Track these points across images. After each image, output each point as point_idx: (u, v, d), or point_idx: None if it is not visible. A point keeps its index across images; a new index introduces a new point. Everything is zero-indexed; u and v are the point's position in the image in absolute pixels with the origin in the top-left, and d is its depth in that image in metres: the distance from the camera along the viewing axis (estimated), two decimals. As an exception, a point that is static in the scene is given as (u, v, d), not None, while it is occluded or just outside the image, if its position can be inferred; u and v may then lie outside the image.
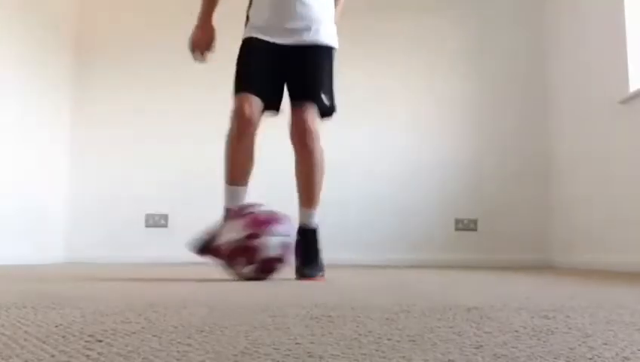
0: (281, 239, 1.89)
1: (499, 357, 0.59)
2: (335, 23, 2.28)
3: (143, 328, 0.77)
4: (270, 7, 2.17)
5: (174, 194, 4.49)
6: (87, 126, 4.57)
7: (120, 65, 4.62)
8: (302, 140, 2.11)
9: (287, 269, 2.01)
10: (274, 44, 2.16)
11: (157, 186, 4.49)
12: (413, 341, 0.69)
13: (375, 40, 4.52)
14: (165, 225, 4.48)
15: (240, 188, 2.17)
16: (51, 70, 4.37)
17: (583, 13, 4.00)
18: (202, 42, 2.24)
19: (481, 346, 0.65)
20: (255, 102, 2.11)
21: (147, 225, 4.48)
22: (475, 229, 4.43)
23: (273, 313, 0.95)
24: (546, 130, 4.46)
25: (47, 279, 2.06)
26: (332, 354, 0.60)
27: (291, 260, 2.01)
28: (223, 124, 4.99)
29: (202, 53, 2.25)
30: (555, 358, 0.59)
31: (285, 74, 2.18)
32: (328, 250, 2.26)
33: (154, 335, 0.70)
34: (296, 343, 0.66)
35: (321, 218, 2.21)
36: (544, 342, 0.69)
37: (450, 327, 0.81)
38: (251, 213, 1.96)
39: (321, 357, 0.58)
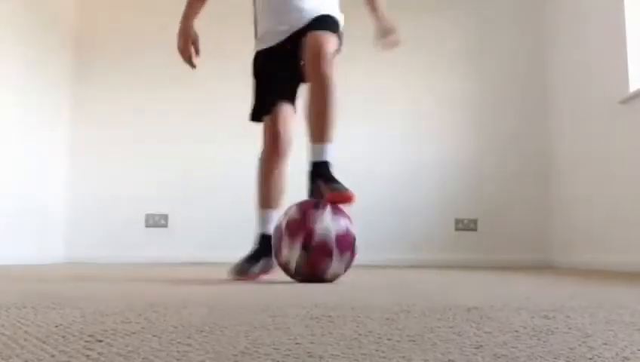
0: (327, 213, 1.78)
1: (499, 357, 0.59)
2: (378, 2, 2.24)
3: (143, 328, 0.77)
4: (268, 15, 2.15)
5: (174, 194, 4.49)
6: (88, 126, 4.57)
7: (120, 65, 4.62)
8: (317, 60, 1.94)
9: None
10: (273, 48, 2.14)
11: (157, 186, 4.50)
12: (413, 341, 0.69)
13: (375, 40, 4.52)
14: (165, 225, 4.48)
15: (274, 211, 2.11)
16: (51, 70, 4.37)
17: (583, 13, 4.00)
18: (183, 49, 2.25)
19: (481, 346, 0.65)
20: (285, 116, 2.09)
21: (147, 225, 4.48)
22: (475, 229, 4.43)
23: (273, 313, 0.95)
24: (546, 130, 4.46)
25: (47, 279, 2.06)
26: (332, 354, 0.60)
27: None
28: (223, 124, 4.98)
29: (189, 57, 2.24)
30: (555, 358, 0.59)
31: (294, 62, 2.06)
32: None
33: (154, 335, 0.70)
34: (296, 343, 0.66)
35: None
36: (544, 342, 0.69)
37: (450, 327, 0.81)
38: (287, 223, 1.82)
39: (321, 357, 0.58)
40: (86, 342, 0.66)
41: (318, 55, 1.94)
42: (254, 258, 2.08)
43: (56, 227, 4.39)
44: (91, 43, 4.68)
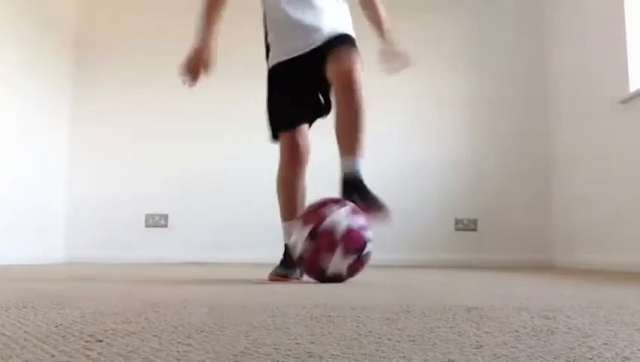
0: (346, 209, 1.79)
1: (499, 357, 0.59)
2: (386, 27, 2.23)
3: (143, 328, 0.77)
4: (284, 27, 2.11)
5: (174, 194, 4.49)
6: (87, 126, 4.57)
7: (120, 65, 4.62)
8: (348, 78, 1.96)
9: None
10: (292, 60, 2.09)
11: (157, 186, 4.49)
12: (413, 341, 0.69)
13: (375, 40, 4.52)
14: (165, 225, 4.48)
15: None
16: (51, 70, 4.37)
17: (583, 13, 4.00)
18: (200, 65, 2.11)
19: (481, 346, 0.65)
20: (303, 132, 2.09)
21: (147, 225, 4.48)
22: (474, 229, 4.43)
23: (273, 313, 0.95)
24: (546, 130, 4.46)
25: (47, 279, 2.06)
26: (332, 354, 0.60)
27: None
28: (223, 124, 4.98)
29: (196, 77, 2.13)
30: (555, 358, 0.59)
31: (313, 76, 2.06)
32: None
33: (154, 335, 0.70)
34: (297, 343, 0.66)
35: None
36: (544, 342, 0.69)
37: (450, 327, 0.81)
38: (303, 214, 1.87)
39: (321, 357, 0.58)
40: (86, 342, 0.66)
41: (349, 74, 1.96)
42: (288, 265, 2.03)
43: (56, 227, 4.39)
44: (91, 43, 4.68)
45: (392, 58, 2.25)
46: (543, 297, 1.37)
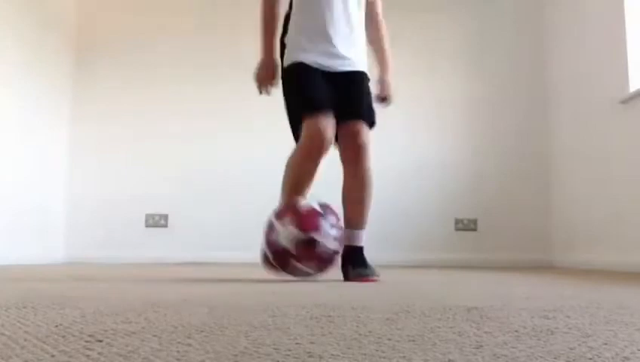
0: (335, 232, 1.89)
1: (499, 357, 0.59)
2: (386, 50, 2.38)
3: (143, 328, 0.77)
4: (315, 32, 2.13)
5: (174, 194, 4.49)
6: (87, 126, 4.57)
7: (120, 65, 4.62)
8: (356, 156, 2.09)
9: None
10: (322, 70, 2.12)
11: (157, 186, 4.50)
12: (413, 341, 0.69)
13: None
14: (165, 225, 4.48)
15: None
16: (51, 70, 4.37)
17: (583, 13, 4.00)
18: (267, 79, 2.20)
19: (481, 346, 0.65)
20: (331, 122, 2.05)
21: (147, 225, 4.48)
22: (474, 229, 4.43)
23: (273, 313, 0.95)
24: (546, 130, 4.46)
25: (47, 279, 2.06)
26: (332, 354, 0.60)
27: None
28: (223, 124, 4.98)
29: (267, 89, 2.22)
30: (555, 358, 0.59)
31: (334, 98, 2.10)
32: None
33: (154, 335, 0.70)
34: (297, 343, 0.66)
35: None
36: (544, 342, 0.69)
37: (450, 327, 0.81)
38: (296, 209, 1.90)
39: (321, 357, 0.58)
40: (86, 342, 0.66)
41: (359, 148, 2.09)
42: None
43: (56, 227, 4.39)
44: (91, 43, 4.68)
45: (383, 102, 2.40)
46: (543, 297, 1.37)
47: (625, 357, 0.60)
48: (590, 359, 0.59)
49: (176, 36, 4.64)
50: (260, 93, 2.23)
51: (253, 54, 2.34)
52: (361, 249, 2.13)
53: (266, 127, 4.08)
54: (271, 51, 2.21)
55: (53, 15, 4.43)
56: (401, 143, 4.51)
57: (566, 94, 4.23)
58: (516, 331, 0.77)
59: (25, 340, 0.67)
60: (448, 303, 1.16)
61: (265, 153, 4.20)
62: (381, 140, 4.58)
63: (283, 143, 2.27)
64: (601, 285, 1.93)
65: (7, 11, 3.80)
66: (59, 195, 4.44)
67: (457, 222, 4.43)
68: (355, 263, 2.07)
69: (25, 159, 4.00)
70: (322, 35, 2.13)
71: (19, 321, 0.83)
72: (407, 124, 4.55)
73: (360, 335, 0.73)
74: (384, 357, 0.59)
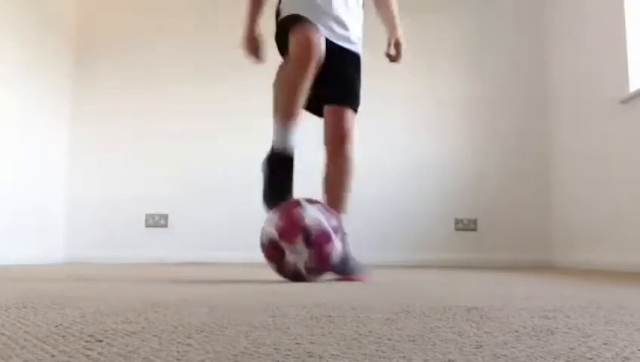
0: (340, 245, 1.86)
1: (499, 357, 0.59)
2: (397, 26, 2.34)
3: (143, 328, 0.77)
4: (318, 6, 2.05)
5: (174, 194, 4.49)
6: (87, 126, 4.57)
7: (120, 65, 4.63)
8: (341, 144, 2.10)
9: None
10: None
11: (157, 186, 4.50)
12: (413, 341, 0.69)
13: (375, 40, 4.52)
14: (165, 225, 4.48)
15: (295, 123, 1.95)
16: (51, 70, 4.37)
17: (583, 13, 4.00)
18: (249, 52, 2.24)
19: (481, 346, 0.65)
20: (322, 37, 1.94)
21: (147, 225, 4.48)
22: (474, 229, 4.43)
23: (273, 313, 0.95)
24: (546, 129, 4.46)
25: (47, 279, 2.06)
26: (332, 354, 0.60)
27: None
28: (223, 124, 4.97)
29: (255, 59, 2.25)
30: (555, 358, 0.59)
31: (325, 73, 2.01)
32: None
33: (154, 335, 0.70)
34: (297, 343, 0.66)
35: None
36: (544, 342, 0.69)
37: (450, 327, 0.81)
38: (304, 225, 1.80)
39: (321, 357, 0.58)
40: (86, 342, 0.66)
41: (345, 137, 2.10)
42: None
43: (56, 227, 4.39)
44: (91, 43, 4.68)
45: (394, 57, 2.36)
46: (543, 297, 1.37)
47: (625, 357, 0.60)
48: (590, 359, 0.59)
49: (176, 36, 4.64)
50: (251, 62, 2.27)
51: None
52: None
53: (266, 127, 4.07)
54: (252, 26, 2.22)
55: (53, 15, 4.43)
56: (401, 143, 4.51)
57: (566, 94, 4.23)
58: (516, 331, 0.77)
59: (25, 340, 0.67)
60: (448, 303, 1.16)
61: (265, 153, 4.19)
62: (381, 140, 4.61)
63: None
64: (601, 285, 1.93)
65: (7, 11, 3.80)
66: (59, 195, 4.44)
67: (457, 222, 4.43)
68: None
69: (25, 159, 4.00)
70: (321, 1, 2.07)
71: (19, 321, 0.83)
72: (407, 124, 4.55)
73: (360, 335, 0.73)
74: (384, 357, 0.59)
